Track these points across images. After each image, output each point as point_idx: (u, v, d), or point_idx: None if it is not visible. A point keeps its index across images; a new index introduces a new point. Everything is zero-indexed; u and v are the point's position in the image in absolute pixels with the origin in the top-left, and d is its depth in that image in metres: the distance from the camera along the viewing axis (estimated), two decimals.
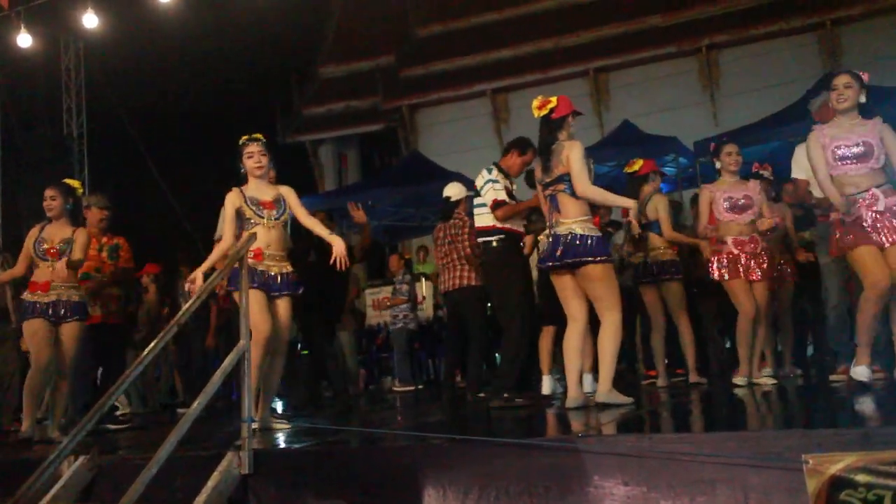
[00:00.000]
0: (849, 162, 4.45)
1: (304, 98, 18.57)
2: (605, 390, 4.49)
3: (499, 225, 5.41)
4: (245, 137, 4.80)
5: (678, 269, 6.24)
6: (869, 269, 4.42)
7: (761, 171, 6.31)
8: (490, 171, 5.46)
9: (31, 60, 13.61)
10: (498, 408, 5.09)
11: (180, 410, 7.31)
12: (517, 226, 5.56)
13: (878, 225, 4.38)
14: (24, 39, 12.00)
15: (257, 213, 4.62)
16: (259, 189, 4.70)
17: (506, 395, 5.19)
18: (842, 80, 4.55)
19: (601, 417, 4.07)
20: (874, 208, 4.38)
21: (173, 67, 16.34)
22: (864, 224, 4.40)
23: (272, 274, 4.60)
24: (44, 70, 14.82)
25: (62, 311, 5.27)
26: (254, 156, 4.71)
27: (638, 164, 6.39)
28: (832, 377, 5.35)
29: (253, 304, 4.39)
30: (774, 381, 5.57)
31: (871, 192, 4.41)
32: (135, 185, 14.90)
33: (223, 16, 14.30)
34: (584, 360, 4.93)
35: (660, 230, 6.24)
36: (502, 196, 5.37)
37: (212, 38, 15.78)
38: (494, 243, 5.44)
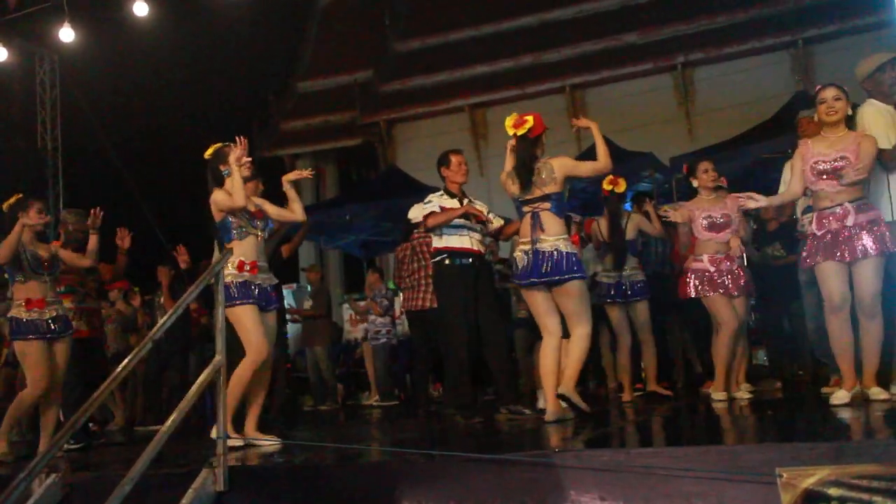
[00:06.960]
0: (826, 177, 4.43)
1: (282, 112, 18.54)
2: (569, 387, 4.58)
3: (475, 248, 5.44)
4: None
5: (647, 289, 6.44)
6: (826, 285, 4.42)
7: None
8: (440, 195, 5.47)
9: (6, 73, 13.50)
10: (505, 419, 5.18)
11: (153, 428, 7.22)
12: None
13: (845, 239, 4.35)
14: None
15: (250, 222, 4.58)
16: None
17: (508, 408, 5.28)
18: (831, 92, 4.51)
19: (579, 432, 4.08)
20: (844, 223, 4.37)
21: (149, 81, 16.23)
22: (833, 239, 4.38)
23: (265, 287, 4.57)
24: (19, 83, 14.70)
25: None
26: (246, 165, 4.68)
27: (622, 186, 6.45)
28: (825, 389, 5.21)
29: (252, 322, 4.38)
30: (751, 395, 5.60)
31: (843, 207, 4.39)
32: (109, 200, 14.71)
33: (200, 30, 14.26)
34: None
35: (634, 250, 6.40)
36: (430, 209, 5.38)
37: (189, 52, 15.71)
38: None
